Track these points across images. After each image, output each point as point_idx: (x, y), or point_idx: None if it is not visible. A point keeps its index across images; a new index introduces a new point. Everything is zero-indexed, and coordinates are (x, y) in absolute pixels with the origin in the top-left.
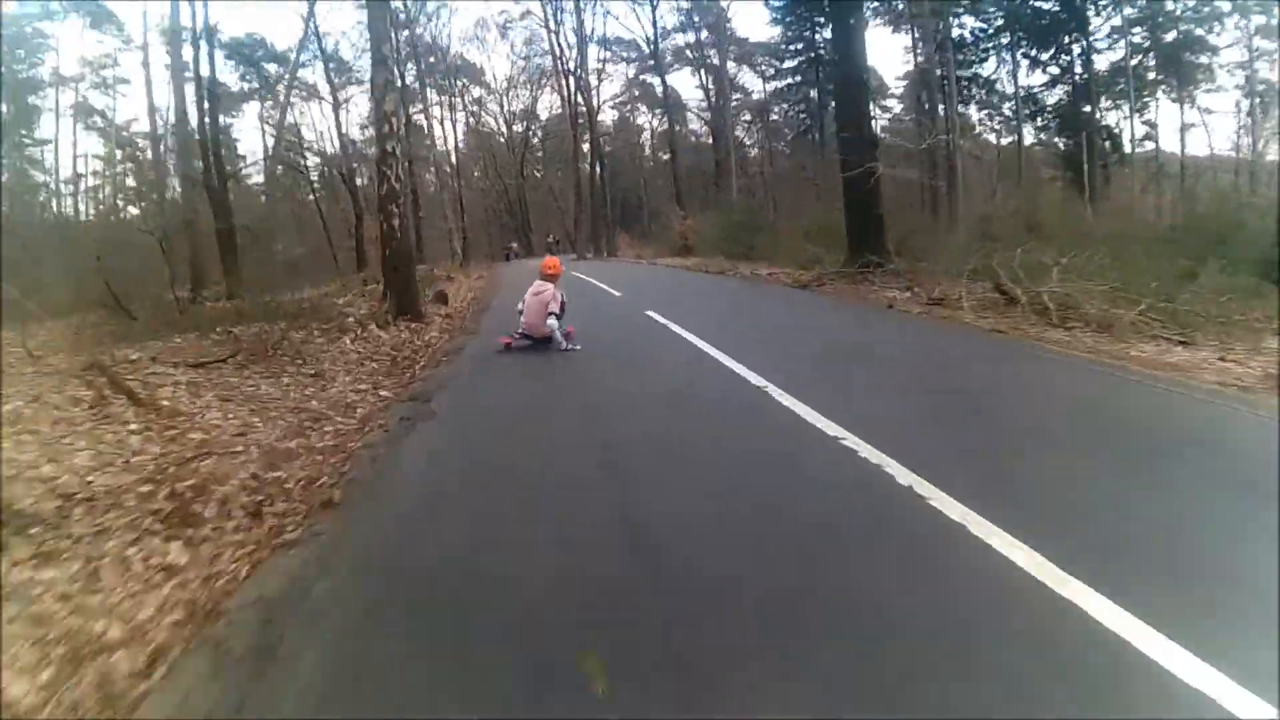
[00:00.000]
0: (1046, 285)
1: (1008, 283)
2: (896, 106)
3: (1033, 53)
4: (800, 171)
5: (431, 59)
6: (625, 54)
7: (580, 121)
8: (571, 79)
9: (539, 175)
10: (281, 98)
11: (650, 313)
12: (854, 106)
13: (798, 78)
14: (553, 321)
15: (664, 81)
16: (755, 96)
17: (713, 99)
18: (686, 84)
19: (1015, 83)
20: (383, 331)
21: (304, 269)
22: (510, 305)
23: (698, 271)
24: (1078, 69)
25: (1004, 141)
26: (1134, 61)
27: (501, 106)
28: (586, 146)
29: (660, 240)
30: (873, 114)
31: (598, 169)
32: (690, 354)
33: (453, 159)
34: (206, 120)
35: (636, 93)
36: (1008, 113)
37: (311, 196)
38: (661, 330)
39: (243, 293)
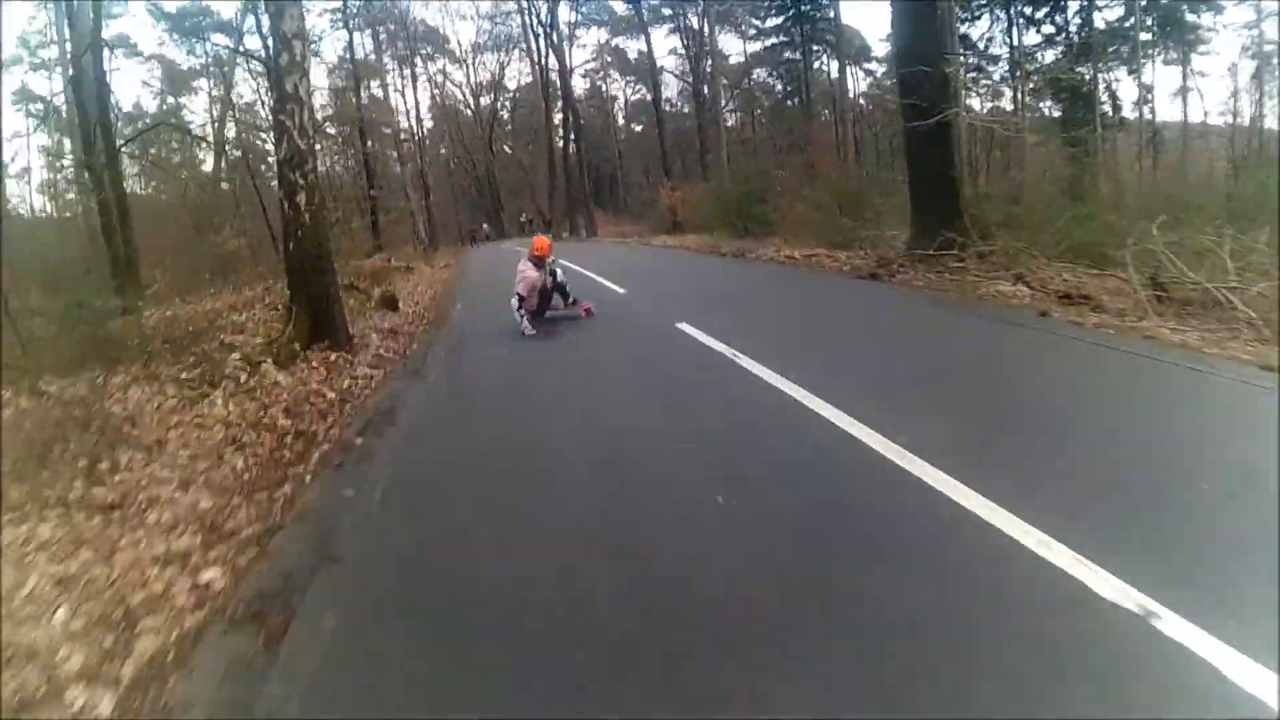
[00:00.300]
0: (1222, 278)
1: (1181, 274)
2: (879, 69)
3: (1027, 10)
4: (785, 138)
5: (391, 25)
6: (597, 16)
7: (552, 89)
8: (542, 39)
9: (509, 151)
10: (226, 70)
11: (685, 327)
12: (922, 30)
13: (782, 37)
14: (514, 302)
15: (647, 38)
16: (735, 60)
17: (693, 62)
18: (660, 49)
19: (1016, 41)
20: (281, 373)
21: (242, 265)
22: (483, 306)
23: (706, 254)
24: (1073, 29)
25: (987, 107)
26: (1132, 20)
27: (468, 77)
28: (559, 118)
29: (639, 215)
30: (855, 76)
31: (572, 138)
32: (846, 454)
33: (415, 131)
34: (92, 81)
35: (609, 59)
36: (997, 76)
37: (252, 182)
38: (726, 369)
39: (136, 303)
